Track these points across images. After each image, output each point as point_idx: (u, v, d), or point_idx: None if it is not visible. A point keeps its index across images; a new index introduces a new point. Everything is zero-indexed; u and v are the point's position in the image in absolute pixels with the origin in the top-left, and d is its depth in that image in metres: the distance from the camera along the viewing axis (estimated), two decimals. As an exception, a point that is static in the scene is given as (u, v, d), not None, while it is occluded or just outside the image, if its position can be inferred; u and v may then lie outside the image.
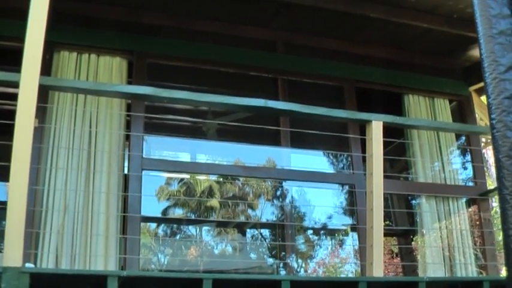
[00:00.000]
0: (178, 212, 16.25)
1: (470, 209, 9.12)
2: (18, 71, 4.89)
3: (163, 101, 6.01)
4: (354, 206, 7.97)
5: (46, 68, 6.32)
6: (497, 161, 1.76)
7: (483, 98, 9.42)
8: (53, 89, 6.12)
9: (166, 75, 7.86)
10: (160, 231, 13.05)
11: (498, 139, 1.76)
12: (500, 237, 11.95)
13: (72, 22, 7.12)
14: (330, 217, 12.05)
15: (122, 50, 7.41)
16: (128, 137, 7.12)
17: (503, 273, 9.31)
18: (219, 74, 8.00)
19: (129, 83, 7.18)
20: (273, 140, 8.25)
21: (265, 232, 12.16)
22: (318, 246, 12.86)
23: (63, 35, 6.96)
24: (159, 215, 12.20)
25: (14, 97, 5.06)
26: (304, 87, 8.39)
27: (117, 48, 7.39)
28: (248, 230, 11.86)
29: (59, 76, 6.88)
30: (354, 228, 10.09)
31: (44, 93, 6.53)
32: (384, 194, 5.81)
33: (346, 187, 9.77)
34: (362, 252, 7.08)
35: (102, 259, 6.34)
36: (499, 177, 1.74)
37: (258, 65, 8.08)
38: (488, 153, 17.45)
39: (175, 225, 13.50)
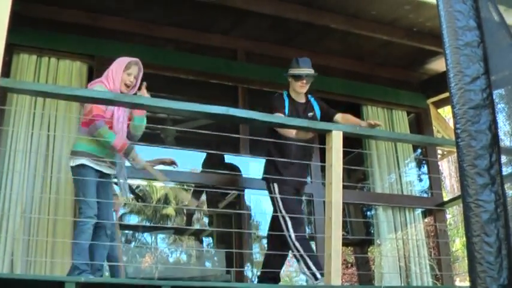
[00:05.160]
0: (133, 219, 16.13)
1: (426, 220, 9.23)
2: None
3: (124, 106, 5.96)
4: (312, 215, 8.02)
5: (5, 70, 6.24)
6: (462, 169, 1.78)
7: (440, 110, 9.56)
8: (13, 91, 6.05)
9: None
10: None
11: (462, 148, 1.79)
12: (454, 248, 12.11)
13: (33, 24, 7.06)
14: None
15: (82, 55, 7.37)
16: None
17: (458, 282, 9.44)
18: (179, 80, 7.99)
19: (89, 88, 7.14)
20: (232, 148, 8.26)
21: (221, 240, 12.10)
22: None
23: (23, 38, 6.89)
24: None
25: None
26: (264, 96, 8.41)
27: (77, 52, 7.34)
28: (204, 238, 11.81)
29: (18, 79, 6.81)
30: (311, 237, 10.13)
31: (2, 96, 6.48)
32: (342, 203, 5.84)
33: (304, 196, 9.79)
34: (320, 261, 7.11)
35: (59, 265, 6.27)
36: (463, 186, 1.77)
37: (218, 73, 8.09)
38: (443, 166, 17.67)
39: (130, 233, 13.35)
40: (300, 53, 8.53)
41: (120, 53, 7.43)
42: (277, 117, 5.71)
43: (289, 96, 6.85)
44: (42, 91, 5.37)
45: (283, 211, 6.42)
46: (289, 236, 6.32)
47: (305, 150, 6.59)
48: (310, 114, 6.83)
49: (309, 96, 6.99)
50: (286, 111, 6.69)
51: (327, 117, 6.87)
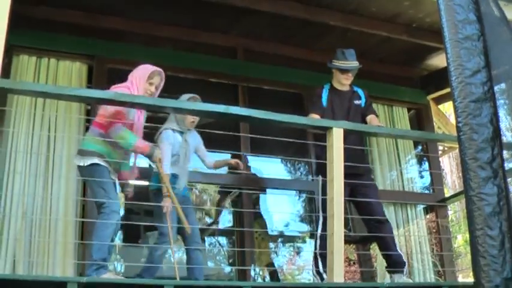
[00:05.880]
0: (135, 219, 16.05)
1: (427, 216, 9.22)
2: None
3: (124, 106, 5.95)
4: (314, 212, 8.01)
5: (4, 72, 6.24)
6: (464, 163, 1.78)
7: (441, 106, 9.54)
8: (13, 92, 6.04)
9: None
10: (117, 238, 12.93)
11: (464, 141, 1.78)
12: (456, 244, 12.10)
13: (32, 25, 7.05)
14: (288, 224, 12.06)
15: (82, 55, 7.37)
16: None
17: (461, 279, 9.43)
18: (179, 79, 7.98)
19: (89, 88, 7.12)
20: (232, 146, 8.25)
21: (223, 240, 12.10)
22: (275, 254, 12.83)
23: (23, 39, 6.88)
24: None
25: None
26: (264, 94, 8.41)
27: (77, 52, 7.34)
28: (206, 238, 11.80)
29: (17, 80, 6.80)
30: (312, 235, 10.12)
31: (2, 97, 6.47)
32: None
33: (305, 194, 9.81)
34: (322, 259, 7.12)
35: (61, 265, 6.27)
36: (466, 179, 1.76)
37: (218, 72, 8.08)
38: (445, 162, 17.65)
39: (132, 232, 13.32)
40: (300, 51, 8.57)
41: (120, 52, 7.48)
42: (276, 115, 5.66)
43: (331, 87, 6.96)
44: (42, 92, 5.36)
45: (320, 207, 6.55)
46: (316, 233, 6.53)
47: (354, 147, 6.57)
48: (357, 102, 6.95)
49: (354, 87, 7.08)
50: (325, 103, 6.80)
51: (365, 112, 7.01)
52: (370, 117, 6.97)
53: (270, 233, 10.80)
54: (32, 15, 7.03)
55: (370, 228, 6.73)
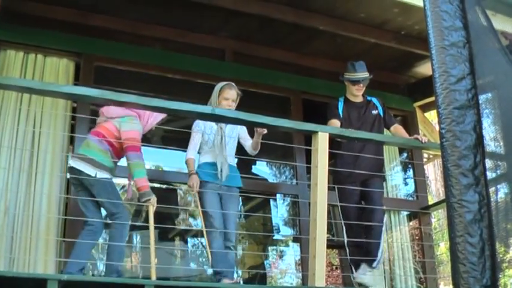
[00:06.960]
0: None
1: (411, 223, 9.24)
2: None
3: (109, 104, 5.93)
4: (297, 216, 8.01)
5: (-9, 66, 6.23)
6: (446, 169, 1.78)
7: (427, 114, 9.56)
8: (-1, 87, 6.01)
9: (114, 79, 7.79)
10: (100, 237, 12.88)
11: (447, 148, 1.79)
12: (438, 251, 12.13)
13: (20, 21, 7.01)
14: (272, 227, 12.04)
15: (69, 52, 7.33)
16: (72, 141, 7.03)
17: (442, 286, 9.44)
18: (166, 80, 7.96)
19: (76, 85, 7.09)
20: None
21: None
22: (259, 257, 12.83)
23: (10, 34, 6.86)
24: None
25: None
26: (251, 96, 8.39)
27: (64, 49, 7.30)
28: (189, 239, 11.76)
29: (4, 75, 6.76)
30: (295, 239, 10.12)
31: (-12, 92, 6.44)
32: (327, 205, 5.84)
33: (289, 197, 9.81)
34: (304, 262, 7.11)
35: (42, 262, 6.24)
36: (447, 186, 1.76)
37: (205, 73, 8.05)
38: (429, 170, 17.67)
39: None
40: (288, 55, 8.57)
41: (107, 51, 7.46)
42: (261, 118, 5.67)
43: (345, 99, 7.26)
44: (29, 87, 5.34)
45: (341, 215, 6.92)
46: (344, 241, 6.84)
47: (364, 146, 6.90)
48: (374, 112, 7.22)
49: (368, 96, 7.37)
50: (341, 114, 7.12)
51: (386, 123, 7.31)
52: (395, 128, 7.27)
53: (254, 235, 10.80)
54: (20, 10, 6.99)
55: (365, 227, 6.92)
